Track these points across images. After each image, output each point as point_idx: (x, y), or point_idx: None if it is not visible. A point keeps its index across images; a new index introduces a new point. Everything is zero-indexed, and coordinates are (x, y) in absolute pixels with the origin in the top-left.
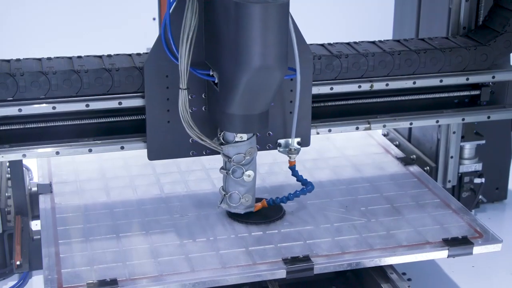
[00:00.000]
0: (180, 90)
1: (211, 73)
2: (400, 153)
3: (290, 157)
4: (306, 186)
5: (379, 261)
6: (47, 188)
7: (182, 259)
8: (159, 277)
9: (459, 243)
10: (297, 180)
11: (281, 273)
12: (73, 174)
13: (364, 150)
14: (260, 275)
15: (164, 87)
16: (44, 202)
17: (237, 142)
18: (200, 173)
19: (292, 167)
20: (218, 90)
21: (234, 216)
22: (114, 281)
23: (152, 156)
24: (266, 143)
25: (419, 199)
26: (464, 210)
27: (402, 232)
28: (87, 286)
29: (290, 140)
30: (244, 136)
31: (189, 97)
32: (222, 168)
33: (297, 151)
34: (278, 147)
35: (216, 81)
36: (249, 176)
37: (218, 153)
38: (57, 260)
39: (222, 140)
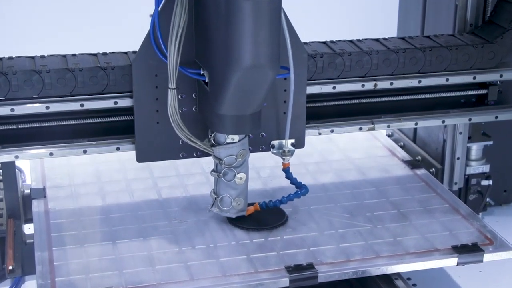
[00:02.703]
0: (169, 90)
1: (201, 72)
2: (406, 156)
3: (283, 159)
4: (300, 189)
5: (385, 269)
6: (40, 193)
7: (180, 267)
8: (157, 285)
9: (469, 250)
10: (291, 183)
11: (284, 282)
12: (68, 178)
13: (369, 153)
14: (262, 284)
15: (153, 86)
16: (37, 207)
17: (229, 143)
18: (199, 177)
19: (285, 170)
20: (208, 90)
21: (234, 222)
22: None
23: (140, 158)
24: (259, 144)
25: (427, 204)
26: (473, 216)
27: (409, 239)
28: None
29: (283, 141)
30: (236, 138)
31: (179, 97)
32: (213, 170)
33: (291, 153)
34: (271, 149)
35: (206, 81)
36: (241, 178)
37: (209, 155)
38: (51, 268)
39: (213, 142)
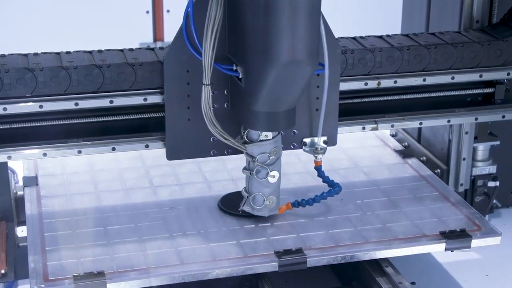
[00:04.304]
0: (203, 86)
1: (234, 68)
2: (398, 146)
3: (316, 157)
4: (334, 187)
5: (374, 254)
6: (32, 181)
7: (171, 252)
8: (148, 269)
9: (457, 236)
10: (324, 181)
11: (273, 266)
12: (60, 167)
13: (361, 142)
14: (252, 268)
15: (185, 83)
16: (30, 195)
17: (262, 141)
18: (191, 166)
19: (317, 168)
20: (242, 86)
21: (225, 209)
22: (101, 274)
23: (171, 155)
24: (290, 142)
25: (416, 192)
26: (462, 203)
27: (398, 225)
28: (74, 278)
29: (316, 139)
30: (269, 135)
31: (211, 93)
32: (245, 168)
33: (323, 151)
34: (303, 146)
35: (240, 77)
36: (273, 177)
37: (241, 152)
38: (43, 253)
39: (246, 139)
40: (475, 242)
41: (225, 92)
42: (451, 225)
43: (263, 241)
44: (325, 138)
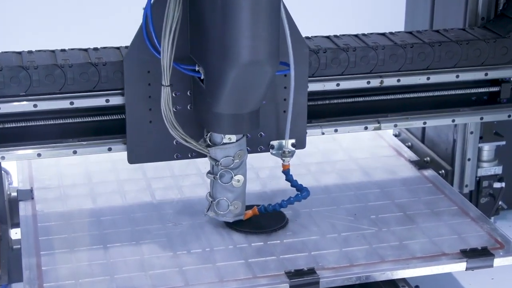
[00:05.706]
0: (162, 87)
1: (196, 68)
2: (413, 156)
3: (283, 161)
4: (301, 192)
5: (391, 274)
6: (27, 195)
7: (175, 272)
8: None
9: (478, 255)
10: (292, 186)
11: None
12: (56, 179)
13: (374, 153)
14: None
15: (146, 83)
16: (24, 209)
17: (225, 144)
18: (195, 178)
19: (285, 172)
20: (204, 87)
21: (232, 225)
22: None
23: (132, 159)
24: (257, 145)
25: (434, 207)
26: (483, 219)
27: (416, 243)
28: None
29: (283, 141)
30: (233, 138)
31: (173, 94)
32: (209, 172)
33: (291, 154)
34: (270, 149)
35: (202, 77)
36: (238, 181)
37: (205, 156)
38: (38, 273)
39: (209, 142)
40: (497, 261)
41: (188, 93)
42: (471, 243)
43: (272, 260)
44: (293, 141)
